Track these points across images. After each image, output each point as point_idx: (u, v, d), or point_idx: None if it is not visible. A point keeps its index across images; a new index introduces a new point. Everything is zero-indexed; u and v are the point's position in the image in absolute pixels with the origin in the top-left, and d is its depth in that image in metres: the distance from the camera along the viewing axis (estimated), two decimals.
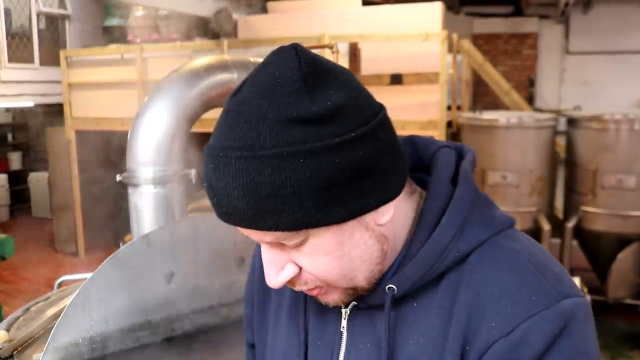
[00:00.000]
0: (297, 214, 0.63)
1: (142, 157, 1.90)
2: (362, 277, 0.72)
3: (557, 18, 9.04)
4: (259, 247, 0.90)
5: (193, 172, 2.02)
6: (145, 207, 1.93)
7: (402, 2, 5.41)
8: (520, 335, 0.65)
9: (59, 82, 6.50)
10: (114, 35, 6.71)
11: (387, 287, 0.72)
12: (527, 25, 9.39)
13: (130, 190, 1.94)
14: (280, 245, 0.70)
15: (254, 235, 0.68)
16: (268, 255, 0.72)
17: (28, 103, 6.68)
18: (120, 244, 1.69)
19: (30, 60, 6.57)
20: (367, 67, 5.06)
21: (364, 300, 0.76)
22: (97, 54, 6.33)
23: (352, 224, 0.68)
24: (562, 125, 5.39)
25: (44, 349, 1.49)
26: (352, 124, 0.64)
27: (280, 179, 0.62)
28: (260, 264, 0.89)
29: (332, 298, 0.75)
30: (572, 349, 0.66)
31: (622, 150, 4.62)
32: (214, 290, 1.79)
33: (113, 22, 6.82)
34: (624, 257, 4.69)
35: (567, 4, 7.76)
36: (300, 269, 0.71)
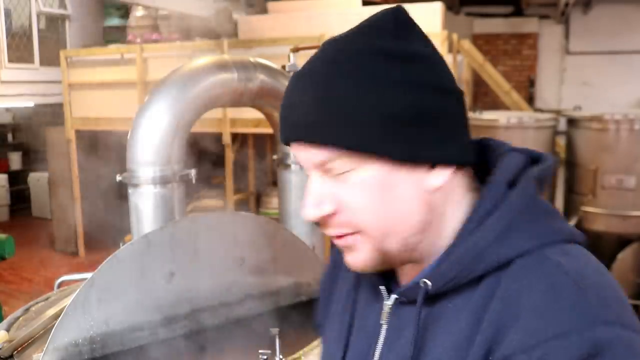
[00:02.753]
0: (359, 134, 0.66)
1: (142, 157, 1.90)
2: (395, 239, 0.71)
3: (557, 18, 9.03)
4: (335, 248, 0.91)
5: (193, 172, 2.02)
6: (145, 207, 1.93)
7: (402, 2, 5.40)
8: (541, 354, 0.61)
9: (59, 82, 6.50)
10: (114, 35, 6.71)
11: (422, 282, 0.71)
12: (527, 25, 9.38)
13: (130, 190, 1.94)
14: (329, 175, 0.71)
15: (311, 153, 0.70)
16: (314, 187, 0.73)
17: (28, 103, 6.68)
18: (120, 244, 1.69)
19: (30, 60, 6.56)
20: None
21: (405, 294, 0.76)
22: (97, 54, 6.33)
23: (403, 173, 0.69)
24: (562, 125, 5.39)
25: (44, 349, 1.48)
26: (429, 73, 0.69)
27: (354, 98, 0.66)
28: (335, 260, 0.93)
29: (358, 256, 0.74)
30: None
31: (622, 150, 4.62)
32: (214, 290, 1.79)
33: (113, 22, 6.82)
34: (624, 257, 4.68)
35: (567, 4, 7.76)
36: (338, 210, 0.71)
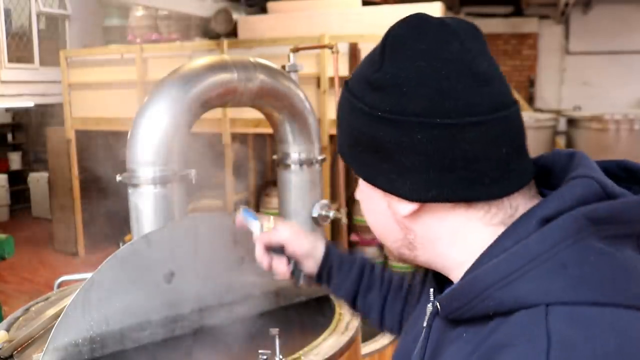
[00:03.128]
0: (345, 153, 0.76)
1: (142, 157, 1.90)
2: (388, 244, 0.78)
3: (557, 18, 9.04)
4: None
5: (193, 172, 2.02)
6: (145, 207, 1.93)
7: (402, 2, 5.40)
8: None
9: (58, 82, 6.50)
10: (114, 35, 6.71)
11: (435, 303, 0.71)
12: (527, 25, 9.39)
13: (130, 190, 1.94)
14: None
15: None
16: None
17: (28, 103, 6.68)
18: (120, 244, 1.69)
19: (30, 60, 6.56)
20: None
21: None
22: (97, 54, 6.32)
23: (377, 192, 0.73)
24: (562, 125, 5.40)
25: (44, 349, 1.48)
26: (396, 106, 0.67)
27: (343, 116, 0.75)
28: None
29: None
30: None
31: (622, 150, 4.63)
32: (214, 290, 1.79)
33: (113, 22, 6.82)
34: None
35: (567, 4, 7.76)
36: None
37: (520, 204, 0.67)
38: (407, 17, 0.73)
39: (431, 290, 0.78)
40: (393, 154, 0.67)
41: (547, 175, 0.72)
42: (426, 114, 0.64)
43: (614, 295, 0.57)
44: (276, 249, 1.14)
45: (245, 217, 1.26)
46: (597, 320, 0.56)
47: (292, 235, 1.13)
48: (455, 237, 0.69)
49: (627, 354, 0.54)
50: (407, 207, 0.69)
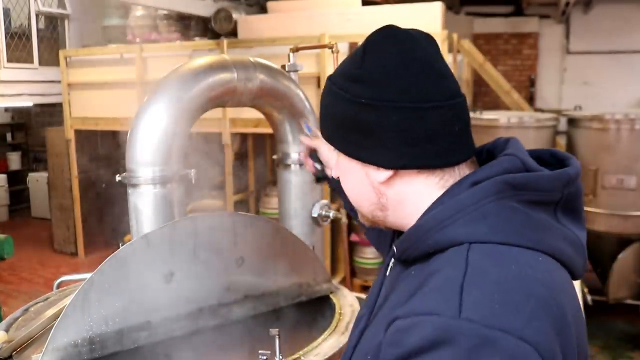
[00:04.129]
0: (330, 133, 0.94)
1: (142, 157, 1.89)
2: (364, 208, 0.95)
3: (558, 18, 9.03)
4: None
5: (193, 172, 2.01)
6: (145, 207, 1.92)
7: (402, 2, 5.40)
8: (409, 324, 0.72)
9: (58, 82, 6.49)
10: (113, 35, 6.70)
11: (393, 246, 0.92)
12: (528, 25, 9.38)
13: (129, 190, 1.94)
14: None
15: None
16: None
17: (27, 103, 6.67)
18: (120, 244, 1.69)
19: (29, 60, 6.55)
20: None
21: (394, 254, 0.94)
22: (96, 53, 6.32)
23: (356, 165, 0.91)
24: (563, 125, 5.39)
25: (43, 349, 1.48)
26: (373, 94, 0.85)
27: (324, 103, 0.94)
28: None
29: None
30: None
31: (623, 150, 4.62)
32: (213, 290, 1.79)
33: (112, 21, 6.81)
34: (625, 257, 4.68)
35: (567, 4, 7.75)
36: None
37: (464, 172, 0.87)
38: (380, 28, 0.91)
39: (394, 246, 0.96)
40: (373, 132, 0.85)
41: (490, 156, 0.92)
42: (399, 100, 0.83)
43: (519, 239, 0.77)
44: (312, 154, 1.63)
45: (305, 128, 1.83)
46: (505, 254, 0.76)
47: (325, 146, 1.53)
48: (417, 198, 0.88)
49: (524, 278, 0.73)
50: (383, 174, 0.88)
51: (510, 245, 0.76)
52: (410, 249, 0.84)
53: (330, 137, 0.93)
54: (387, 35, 0.88)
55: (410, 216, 0.88)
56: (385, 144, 0.85)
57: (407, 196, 0.88)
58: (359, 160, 0.89)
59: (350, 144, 0.89)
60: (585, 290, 4.39)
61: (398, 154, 0.85)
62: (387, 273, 0.97)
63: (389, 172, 0.87)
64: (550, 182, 0.81)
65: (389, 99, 0.83)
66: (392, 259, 0.96)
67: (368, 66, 0.86)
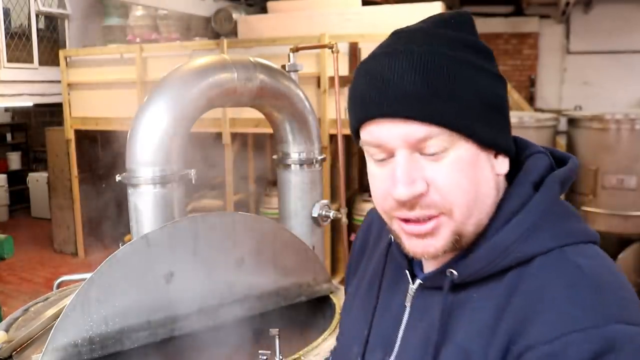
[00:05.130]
0: (464, 115, 0.72)
1: (142, 157, 1.89)
2: (475, 219, 0.76)
3: (558, 18, 9.03)
4: (363, 222, 1.05)
5: (193, 172, 2.01)
6: (145, 207, 1.92)
7: (402, 2, 5.39)
8: (560, 346, 0.65)
9: (58, 82, 6.49)
10: (113, 35, 6.70)
11: (449, 271, 0.77)
12: (528, 25, 9.38)
13: (129, 190, 1.94)
14: (420, 150, 0.73)
15: (407, 129, 0.72)
16: (404, 164, 0.74)
17: (27, 103, 6.67)
18: (120, 244, 1.69)
19: (29, 60, 6.55)
20: None
21: (430, 280, 0.81)
22: (96, 53, 6.32)
23: (484, 156, 0.75)
24: (563, 125, 5.39)
25: (43, 349, 1.48)
26: (498, 69, 0.78)
27: (457, 79, 0.71)
28: (361, 232, 1.04)
29: (434, 242, 0.76)
30: None
31: (623, 150, 4.61)
32: (213, 290, 1.79)
33: (113, 21, 6.81)
34: (625, 257, 4.68)
35: (567, 4, 7.75)
36: (429, 189, 0.74)
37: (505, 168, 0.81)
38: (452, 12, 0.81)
39: (407, 271, 0.86)
40: (505, 110, 0.77)
41: None
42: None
43: (587, 236, 0.76)
44: None
45: None
46: (593, 251, 0.74)
47: None
48: (488, 199, 0.78)
49: (618, 270, 0.73)
50: (504, 163, 0.78)
51: (586, 243, 0.75)
52: (484, 269, 0.75)
53: (469, 121, 0.72)
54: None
55: (485, 218, 0.78)
56: (509, 124, 0.78)
57: (498, 189, 0.80)
58: (493, 148, 0.76)
59: (492, 128, 0.74)
60: None
61: (511, 143, 0.79)
62: (409, 302, 0.84)
63: (507, 161, 0.79)
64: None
65: (499, 72, 0.78)
66: (412, 286, 0.84)
67: (481, 41, 0.78)
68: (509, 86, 6.97)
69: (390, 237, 0.88)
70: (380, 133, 0.73)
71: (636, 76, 8.75)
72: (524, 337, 0.68)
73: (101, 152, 6.99)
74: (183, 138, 1.96)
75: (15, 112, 9.84)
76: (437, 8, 5.16)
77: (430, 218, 0.75)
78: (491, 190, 0.77)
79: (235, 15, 6.16)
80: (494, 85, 0.75)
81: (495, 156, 0.77)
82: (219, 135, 5.30)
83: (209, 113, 2.13)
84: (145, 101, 1.95)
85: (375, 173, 0.78)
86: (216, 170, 5.35)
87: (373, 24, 5.31)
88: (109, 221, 5.50)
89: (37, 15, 6.64)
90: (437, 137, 0.71)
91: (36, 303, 2.08)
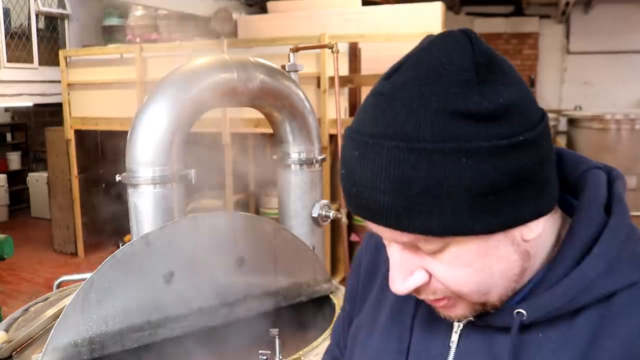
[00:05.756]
0: (448, 217, 0.58)
1: (142, 157, 1.89)
2: (496, 293, 0.66)
3: (558, 18, 9.03)
4: (367, 241, 0.91)
5: (193, 172, 2.01)
6: (144, 207, 1.92)
7: (402, 2, 5.40)
8: None
9: (58, 82, 6.49)
10: (113, 35, 6.70)
11: (515, 312, 0.66)
12: (528, 25, 9.38)
13: (129, 190, 1.94)
14: (414, 249, 0.64)
15: (390, 234, 0.62)
16: (398, 258, 0.66)
17: (27, 103, 6.67)
18: (120, 244, 1.69)
19: (29, 60, 6.55)
20: (367, 67, 5.05)
21: (485, 319, 0.70)
22: (96, 53, 6.32)
23: (499, 236, 0.62)
24: (563, 125, 5.39)
25: (43, 349, 1.48)
26: (520, 126, 0.59)
27: (437, 177, 0.57)
28: (367, 254, 0.90)
29: (456, 312, 0.69)
30: None
31: (623, 150, 4.62)
32: (214, 290, 1.79)
33: (112, 21, 6.81)
34: None
35: (567, 4, 7.75)
36: (430, 277, 0.66)
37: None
38: (448, 35, 0.65)
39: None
40: (535, 174, 0.60)
41: None
42: (537, 113, 0.63)
43: None
44: None
45: None
46: None
47: None
48: (542, 236, 0.67)
49: None
50: (537, 226, 0.64)
51: None
52: (564, 306, 0.64)
53: (455, 223, 0.59)
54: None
55: (535, 264, 0.68)
56: (546, 183, 0.62)
57: (544, 241, 0.68)
58: (514, 227, 0.62)
59: (497, 215, 0.59)
60: None
61: (554, 188, 0.65)
62: (454, 342, 0.73)
63: (544, 219, 0.64)
64: None
65: (534, 117, 0.61)
66: (459, 323, 0.73)
67: (501, 87, 0.60)
68: None
69: None
70: (371, 226, 0.64)
71: (636, 76, 8.75)
72: None
73: (101, 152, 6.99)
74: (183, 138, 1.96)
75: (15, 112, 9.84)
76: (437, 8, 5.16)
77: (442, 298, 0.68)
78: (514, 262, 0.65)
79: (235, 15, 6.16)
80: (502, 161, 0.58)
81: (528, 222, 0.63)
82: (218, 135, 5.30)
83: (209, 113, 2.13)
84: (145, 101, 1.95)
85: (385, 242, 0.70)
86: (216, 170, 5.35)
87: (373, 24, 5.31)
88: (108, 221, 5.50)
89: (37, 15, 6.64)
90: (425, 242, 0.61)
91: (36, 303, 2.08)
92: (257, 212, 6.15)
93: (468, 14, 9.57)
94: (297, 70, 2.56)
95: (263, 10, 6.57)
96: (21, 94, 6.41)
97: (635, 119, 4.57)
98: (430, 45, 0.62)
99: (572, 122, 5.08)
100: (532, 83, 9.43)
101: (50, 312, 1.81)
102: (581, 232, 0.66)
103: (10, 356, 1.64)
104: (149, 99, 1.95)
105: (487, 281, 0.65)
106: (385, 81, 0.63)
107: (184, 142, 1.97)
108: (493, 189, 0.58)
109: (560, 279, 0.65)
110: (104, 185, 6.75)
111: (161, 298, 1.67)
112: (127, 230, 2.02)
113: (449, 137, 0.57)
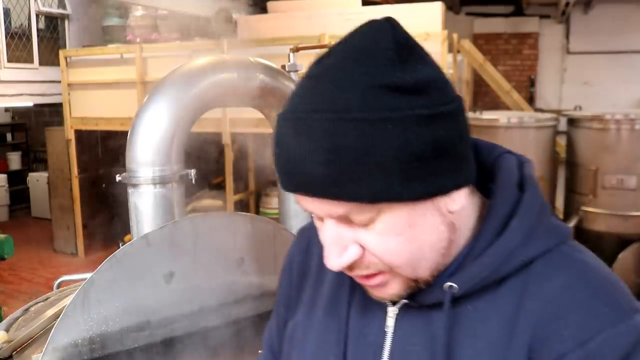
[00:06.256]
0: (378, 184, 0.61)
1: (142, 157, 1.90)
2: (427, 266, 0.70)
3: (558, 18, 9.03)
4: (298, 241, 0.94)
5: (193, 172, 2.01)
6: (145, 207, 1.92)
7: (402, 2, 5.40)
8: (596, 347, 0.64)
9: (58, 82, 6.49)
10: (113, 35, 6.70)
11: (447, 285, 0.69)
12: (528, 25, 9.39)
13: (129, 190, 1.94)
14: (347, 223, 0.67)
15: (325, 206, 0.65)
16: (332, 234, 0.68)
17: (27, 103, 6.67)
18: (120, 244, 1.69)
19: (29, 60, 6.55)
20: None
21: (417, 299, 0.73)
22: (96, 53, 6.32)
23: (426, 205, 0.66)
24: (563, 125, 5.39)
25: (44, 349, 1.48)
26: (438, 101, 0.64)
27: (366, 146, 0.60)
28: (298, 255, 0.91)
29: (389, 290, 0.71)
30: None
31: (623, 150, 4.62)
32: (214, 290, 1.79)
33: (113, 21, 6.81)
34: (625, 257, 4.68)
35: (567, 4, 7.76)
36: (364, 251, 0.68)
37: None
38: (371, 23, 0.72)
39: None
40: (450, 146, 0.65)
41: None
42: (454, 98, 0.67)
43: (567, 231, 0.74)
44: None
45: None
46: (580, 246, 0.73)
47: None
48: (465, 213, 0.72)
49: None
50: (459, 197, 0.68)
51: (570, 238, 0.74)
52: (490, 276, 0.69)
53: (385, 189, 0.62)
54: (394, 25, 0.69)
55: (460, 240, 0.72)
56: (464, 158, 0.67)
57: (462, 214, 0.72)
58: (438, 195, 0.66)
59: (427, 180, 0.63)
60: None
61: (472, 164, 0.70)
62: (390, 326, 0.75)
63: (465, 191, 0.69)
64: None
65: (451, 100, 0.66)
66: (392, 307, 0.76)
67: (420, 67, 0.65)
68: (509, 87, 6.94)
69: None
70: (305, 204, 0.67)
71: (636, 76, 8.76)
72: (550, 344, 0.65)
73: (101, 152, 6.99)
74: (183, 138, 1.96)
75: (15, 112, 9.85)
76: (437, 8, 5.16)
77: (375, 274, 0.70)
78: (442, 232, 0.68)
79: (235, 15, 6.16)
80: (425, 130, 0.62)
81: (450, 192, 0.67)
82: (218, 135, 5.30)
83: (209, 113, 2.13)
84: (145, 101, 1.95)
85: (318, 225, 0.72)
86: (216, 170, 5.35)
87: None
88: (108, 221, 5.50)
89: (37, 15, 6.64)
90: (358, 211, 0.64)
91: (36, 303, 2.08)
92: (257, 212, 6.15)
93: (468, 14, 9.58)
94: (297, 70, 2.56)
95: (263, 10, 6.57)
96: (21, 94, 6.41)
97: (635, 119, 4.57)
98: (356, 32, 0.68)
99: (572, 122, 5.07)
100: (532, 83, 9.44)
101: (50, 312, 1.81)
102: (499, 208, 0.72)
103: (11, 356, 1.65)
104: (149, 99, 1.95)
105: (417, 252, 0.68)
106: (316, 65, 0.67)
107: (184, 142, 1.97)
108: (418, 157, 0.62)
109: (484, 250, 0.70)
110: (104, 185, 6.76)
111: (161, 298, 1.67)
112: (127, 230, 2.03)
113: (376, 107, 0.61)
